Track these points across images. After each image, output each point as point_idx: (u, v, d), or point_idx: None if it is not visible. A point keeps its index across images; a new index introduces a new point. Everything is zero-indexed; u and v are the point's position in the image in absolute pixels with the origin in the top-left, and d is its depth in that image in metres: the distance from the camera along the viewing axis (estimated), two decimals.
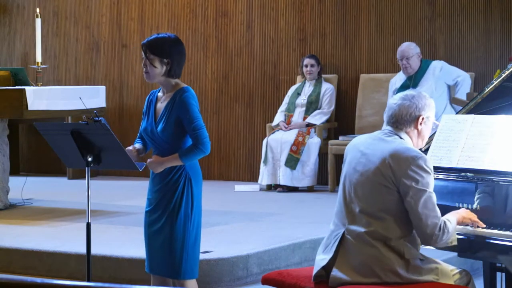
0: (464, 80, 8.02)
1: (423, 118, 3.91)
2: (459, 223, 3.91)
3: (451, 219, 3.84)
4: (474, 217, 3.95)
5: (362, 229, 3.77)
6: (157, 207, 4.38)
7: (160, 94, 4.49)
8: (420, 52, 8.09)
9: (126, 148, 4.39)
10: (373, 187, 3.78)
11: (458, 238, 3.95)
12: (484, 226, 3.95)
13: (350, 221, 3.83)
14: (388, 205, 3.75)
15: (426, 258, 3.82)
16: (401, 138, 3.88)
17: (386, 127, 3.95)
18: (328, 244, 3.89)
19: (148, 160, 4.36)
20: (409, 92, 4.01)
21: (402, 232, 3.76)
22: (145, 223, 4.46)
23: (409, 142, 3.90)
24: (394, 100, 3.97)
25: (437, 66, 8.06)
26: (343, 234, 3.83)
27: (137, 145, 4.50)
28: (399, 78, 8.21)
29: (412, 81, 8.00)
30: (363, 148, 3.90)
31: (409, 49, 8.04)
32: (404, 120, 3.90)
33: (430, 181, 3.76)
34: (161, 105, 4.42)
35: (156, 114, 4.42)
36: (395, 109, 3.92)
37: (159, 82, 4.43)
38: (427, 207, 3.71)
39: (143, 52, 4.43)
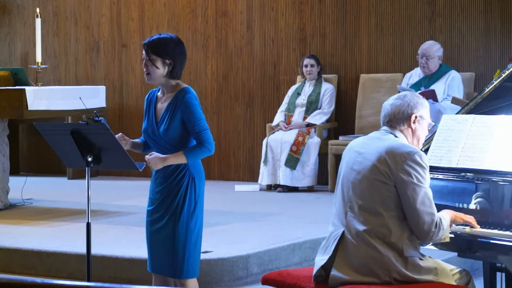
0: (453, 80, 7.87)
1: (416, 117, 3.94)
2: (451, 222, 3.92)
3: (445, 216, 3.86)
4: (468, 218, 3.95)
5: (360, 227, 3.79)
6: (160, 206, 4.36)
7: (159, 94, 4.46)
8: (442, 55, 7.95)
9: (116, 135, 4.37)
10: (370, 184, 3.80)
11: (458, 238, 3.96)
12: (479, 227, 3.95)
13: (349, 220, 3.84)
14: (386, 201, 3.76)
15: (425, 257, 3.83)
16: (396, 136, 3.91)
17: (382, 127, 3.99)
18: (327, 246, 3.90)
19: (146, 157, 4.34)
20: (402, 92, 4.05)
21: (401, 229, 3.76)
22: (146, 222, 4.45)
23: (404, 140, 3.93)
24: (388, 100, 4.03)
25: (454, 76, 7.83)
26: (343, 233, 3.84)
27: (136, 140, 4.49)
28: (415, 74, 8.06)
29: (427, 82, 7.90)
30: (358, 148, 3.94)
31: (432, 50, 7.86)
32: (397, 118, 3.94)
33: (426, 177, 3.79)
34: (161, 106, 4.40)
35: (156, 115, 4.40)
36: (388, 109, 3.98)
37: (160, 83, 4.41)
38: (424, 204, 3.73)
39: (144, 52, 4.38)
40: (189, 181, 4.33)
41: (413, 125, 3.95)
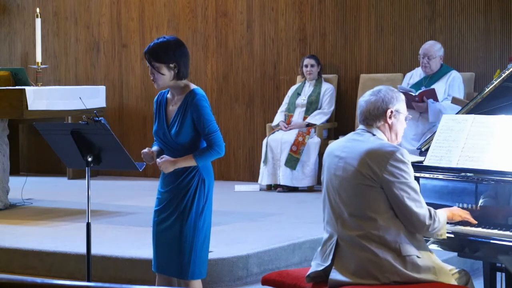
0: (453, 80, 7.86)
1: (391, 112, 3.87)
2: (449, 219, 3.92)
3: (442, 213, 3.85)
4: (464, 214, 3.96)
5: (354, 233, 3.76)
6: (167, 206, 4.36)
7: (169, 96, 4.44)
8: (443, 55, 7.94)
9: (142, 151, 4.37)
10: (356, 189, 3.76)
11: (458, 238, 3.96)
12: (476, 222, 3.95)
13: (341, 227, 3.81)
14: (375, 204, 3.73)
15: (422, 255, 3.81)
16: (373, 134, 3.86)
17: (359, 127, 3.94)
18: (324, 253, 3.88)
19: (158, 160, 4.33)
20: (377, 87, 3.96)
21: (395, 228, 3.74)
22: (153, 221, 4.44)
23: (383, 137, 3.87)
24: (363, 97, 3.95)
25: (455, 76, 7.80)
26: (337, 241, 3.82)
27: (154, 148, 4.47)
28: (416, 74, 8.04)
29: (427, 82, 7.88)
30: (339, 153, 3.88)
31: (433, 50, 7.83)
32: (372, 115, 3.87)
33: (410, 172, 3.75)
34: (172, 108, 4.37)
35: (167, 117, 4.38)
36: (363, 106, 3.90)
37: (169, 86, 4.39)
38: (413, 198, 3.72)
39: (147, 61, 4.36)
40: (198, 182, 4.33)
41: (389, 120, 3.87)
